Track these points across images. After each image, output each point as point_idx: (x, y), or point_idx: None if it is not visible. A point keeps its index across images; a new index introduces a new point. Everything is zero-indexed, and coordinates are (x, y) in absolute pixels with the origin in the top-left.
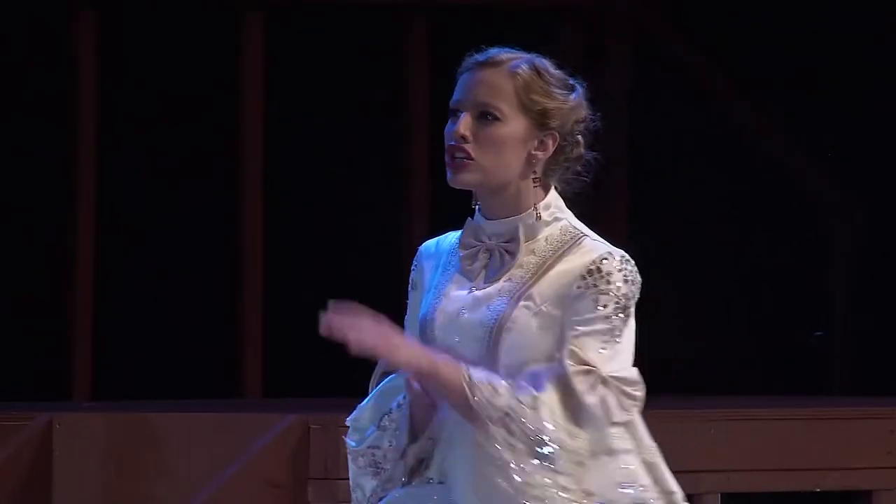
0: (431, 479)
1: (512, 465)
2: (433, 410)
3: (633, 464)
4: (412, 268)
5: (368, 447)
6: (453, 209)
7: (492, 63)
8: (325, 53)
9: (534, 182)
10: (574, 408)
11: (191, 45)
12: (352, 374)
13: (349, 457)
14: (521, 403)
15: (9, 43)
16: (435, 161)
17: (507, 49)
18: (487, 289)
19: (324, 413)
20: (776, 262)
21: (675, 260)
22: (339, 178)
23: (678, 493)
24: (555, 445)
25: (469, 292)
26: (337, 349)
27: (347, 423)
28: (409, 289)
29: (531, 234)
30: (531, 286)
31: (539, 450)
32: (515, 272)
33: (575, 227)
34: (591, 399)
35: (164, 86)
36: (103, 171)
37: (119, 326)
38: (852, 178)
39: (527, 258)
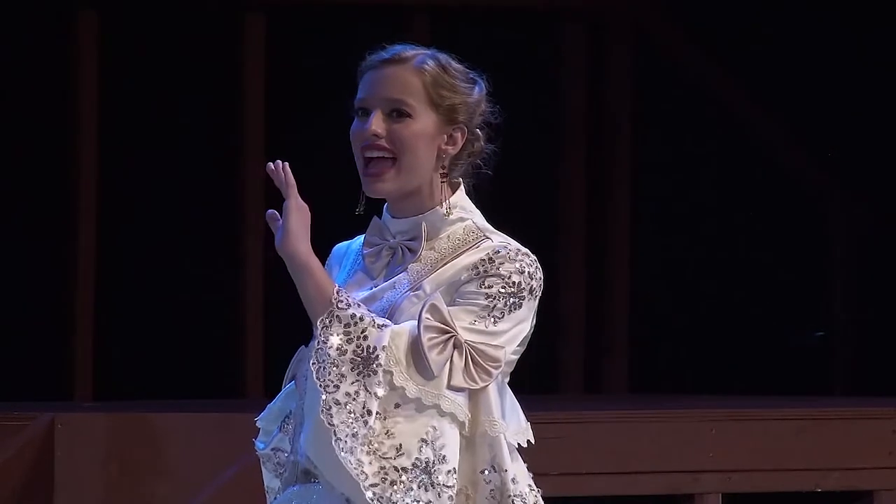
0: (316, 479)
1: (331, 379)
2: None
3: (446, 429)
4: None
5: (272, 449)
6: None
7: (398, 60)
8: (326, 53)
9: (441, 178)
10: (417, 357)
11: (191, 44)
12: None
13: (260, 460)
14: (374, 322)
15: (9, 42)
16: None
17: (409, 45)
18: (385, 284)
19: None
20: (776, 261)
21: (674, 258)
22: (340, 179)
23: (448, 467)
24: (385, 366)
25: (369, 290)
26: None
27: (257, 424)
28: None
29: (434, 233)
30: (424, 279)
31: (368, 365)
32: (413, 266)
33: (479, 228)
34: (434, 355)
35: (166, 86)
36: (105, 172)
37: (120, 326)
38: (853, 176)
39: (426, 254)
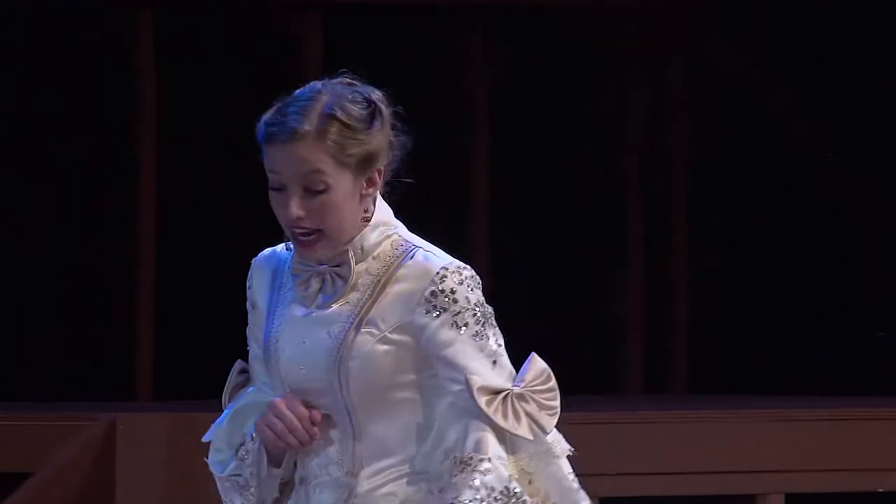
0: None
1: None
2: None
3: (569, 468)
4: (247, 285)
5: (231, 475)
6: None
7: (298, 136)
8: (384, 53)
9: (363, 218)
10: (508, 437)
11: (249, 43)
12: None
13: (215, 478)
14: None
15: (70, 44)
16: (495, 169)
17: (296, 106)
18: (325, 312)
19: None
20: (835, 263)
21: (732, 263)
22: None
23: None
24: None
25: (306, 317)
26: None
27: (205, 441)
28: (248, 305)
29: (362, 256)
30: (369, 309)
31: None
32: (352, 295)
33: (406, 241)
34: (520, 428)
35: (222, 85)
36: (164, 173)
37: (181, 326)
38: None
39: (361, 280)
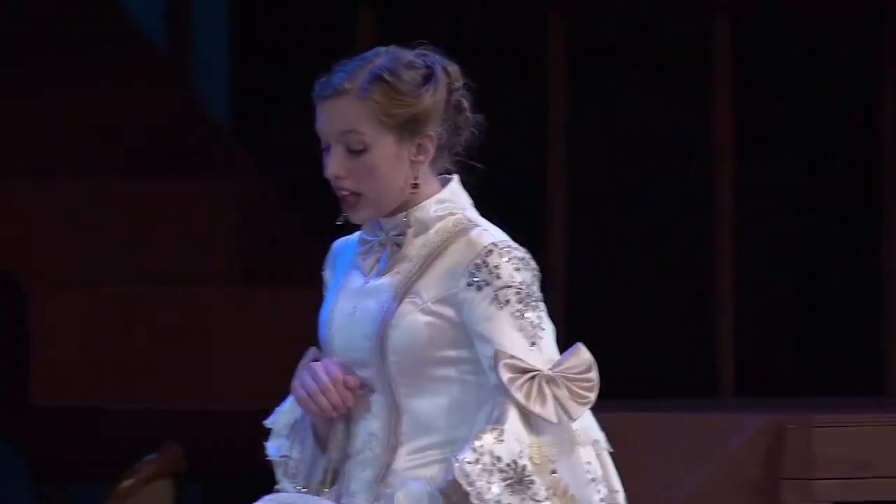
0: (329, 487)
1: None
2: (335, 420)
3: (591, 457)
4: (324, 269)
5: (282, 457)
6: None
7: (341, 92)
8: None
9: (412, 188)
10: (533, 419)
11: None
12: (827, 373)
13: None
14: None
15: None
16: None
17: (350, 66)
18: (377, 282)
19: (798, 413)
20: None
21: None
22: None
23: (621, 493)
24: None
25: (361, 287)
26: (807, 349)
27: (267, 426)
28: (324, 290)
29: (422, 228)
30: (416, 280)
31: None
32: (404, 265)
33: (469, 220)
34: (539, 409)
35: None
36: (573, 176)
37: (594, 326)
38: None
39: (416, 251)
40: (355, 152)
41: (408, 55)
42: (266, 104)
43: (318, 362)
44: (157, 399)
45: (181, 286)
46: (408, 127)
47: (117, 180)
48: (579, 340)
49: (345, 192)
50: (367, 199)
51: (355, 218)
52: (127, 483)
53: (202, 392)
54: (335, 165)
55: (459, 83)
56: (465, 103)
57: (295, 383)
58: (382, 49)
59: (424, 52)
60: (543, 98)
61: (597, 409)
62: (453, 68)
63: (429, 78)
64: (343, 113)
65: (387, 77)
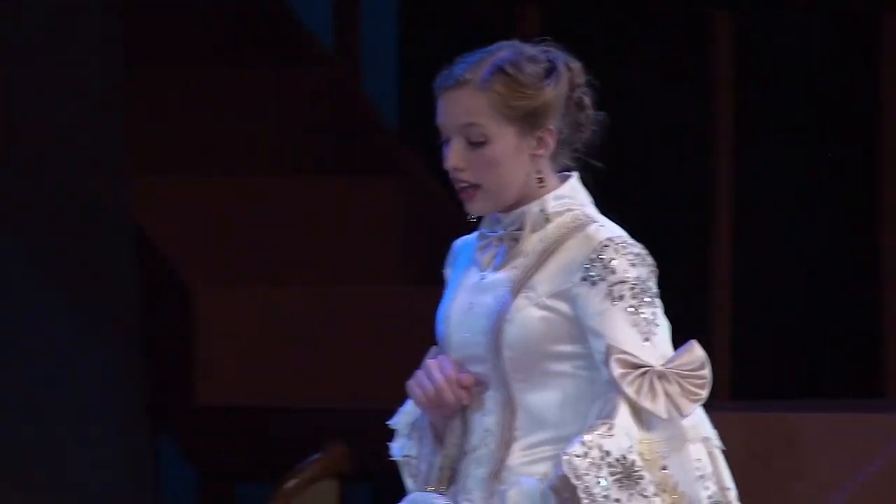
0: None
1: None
2: (452, 417)
3: (701, 454)
4: (445, 267)
5: (404, 456)
6: None
7: (461, 83)
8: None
9: (538, 182)
10: (643, 415)
11: None
12: None
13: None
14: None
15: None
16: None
17: (472, 58)
18: (495, 277)
19: None
20: None
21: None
22: None
23: (733, 490)
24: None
25: (478, 282)
26: None
27: (391, 426)
28: (445, 288)
29: (540, 223)
30: (533, 275)
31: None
32: (521, 260)
33: (587, 216)
34: (655, 405)
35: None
36: (740, 170)
37: (756, 325)
38: None
39: (533, 246)
40: (475, 144)
41: (531, 49)
42: (433, 103)
43: (433, 360)
44: (336, 399)
45: (349, 285)
46: (528, 120)
47: (283, 179)
48: None
49: (464, 184)
50: (486, 192)
51: (473, 209)
52: (291, 483)
53: (373, 391)
54: (455, 157)
55: (582, 80)
56: (587, 101)
57: (411, 382)
58: (506, 43)
59: (548, 48)
60: None
61: (757, 410)
62: (576, 65)
63: (551, 72)
64: (463, 104)
65: (508, 69)
